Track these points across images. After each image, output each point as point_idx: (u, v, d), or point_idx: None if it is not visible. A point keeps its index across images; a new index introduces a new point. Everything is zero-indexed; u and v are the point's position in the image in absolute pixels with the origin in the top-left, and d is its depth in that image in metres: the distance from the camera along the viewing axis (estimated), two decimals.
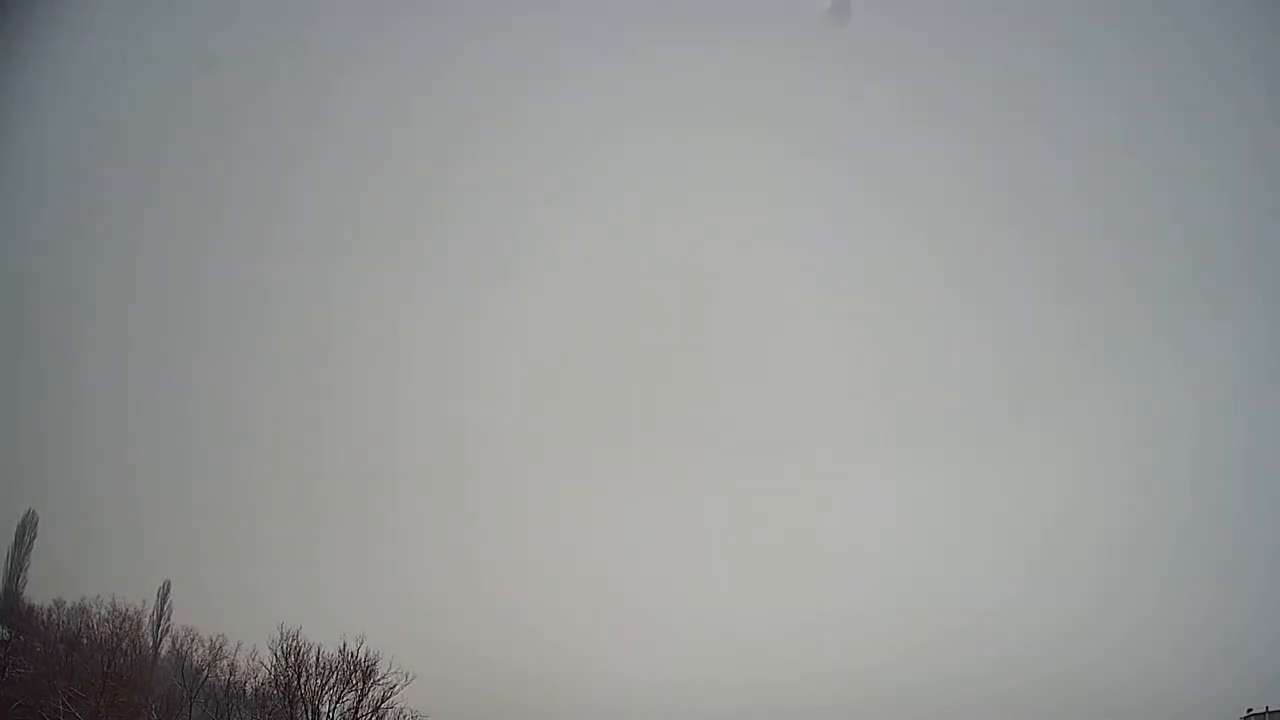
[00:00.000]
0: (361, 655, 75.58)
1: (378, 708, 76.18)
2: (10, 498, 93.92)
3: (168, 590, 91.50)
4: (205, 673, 79.12)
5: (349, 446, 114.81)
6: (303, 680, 75.08)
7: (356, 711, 75.96)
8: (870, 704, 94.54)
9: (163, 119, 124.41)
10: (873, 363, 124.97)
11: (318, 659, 75.77)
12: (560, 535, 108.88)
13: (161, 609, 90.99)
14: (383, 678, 75.67)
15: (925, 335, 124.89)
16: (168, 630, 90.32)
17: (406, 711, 76.91)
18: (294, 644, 75.40)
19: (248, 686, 78.41)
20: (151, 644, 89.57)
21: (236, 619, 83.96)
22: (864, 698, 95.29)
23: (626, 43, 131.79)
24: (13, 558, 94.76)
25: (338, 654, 75.83)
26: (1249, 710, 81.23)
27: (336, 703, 75.97)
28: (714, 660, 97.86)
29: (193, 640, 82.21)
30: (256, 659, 77.59)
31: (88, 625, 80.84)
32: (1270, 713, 79.99)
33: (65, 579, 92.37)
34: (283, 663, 75.52)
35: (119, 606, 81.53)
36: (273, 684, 76.38)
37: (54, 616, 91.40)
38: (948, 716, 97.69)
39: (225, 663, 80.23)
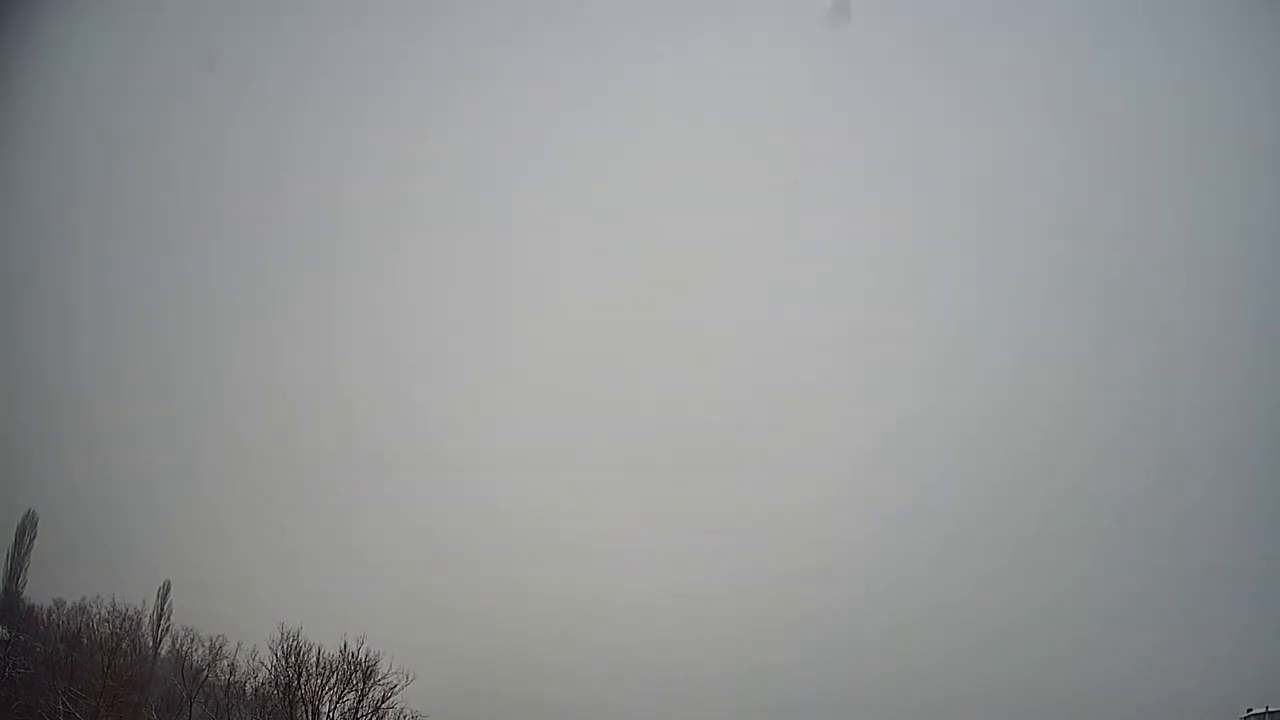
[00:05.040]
0: (361, 655, 75.86)
1: (378, 708, 76.28)
2: (10, 498, 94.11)
3: (168, 590, 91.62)
4: (205, 673, 79.06)
5: (349, 446, 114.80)
6: (303, 680, 75.14)
7: (357, 712, 76.03)
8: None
9: (161, 119, 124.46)
10: (871, 361, 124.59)
11: (318, 659, 75.90)
12: (563, 535, 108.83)
13: (161, 609, 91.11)
14: (383, 678, 75.92)
15: (926, 334, 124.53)
16: (168, 630, 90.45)
17: (406, 711, 77.19)
18: (294, 644, 75.57)
19: (248, 686, 78.43)
20: (151, 644, 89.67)
21: (236, 619, 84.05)
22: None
23: (627, 41, 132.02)
24: (13, 558, 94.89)
25: (338, 654, 76.05)
26: (1249, 710, 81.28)
27: (337, 703, 76.10)
28: (728, 665, 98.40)
29: (193, 640, 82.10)
30: (256, 659, 77.67)
31: (88, 625, 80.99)
32: (1270, 713, 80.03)
33: (65, 579, 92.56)
34: (283, 663, 75.63)
35: (119, 606, 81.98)
36: (273, 684, 76.45)
37: (54, 616, 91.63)
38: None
39: (225, 663, 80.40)
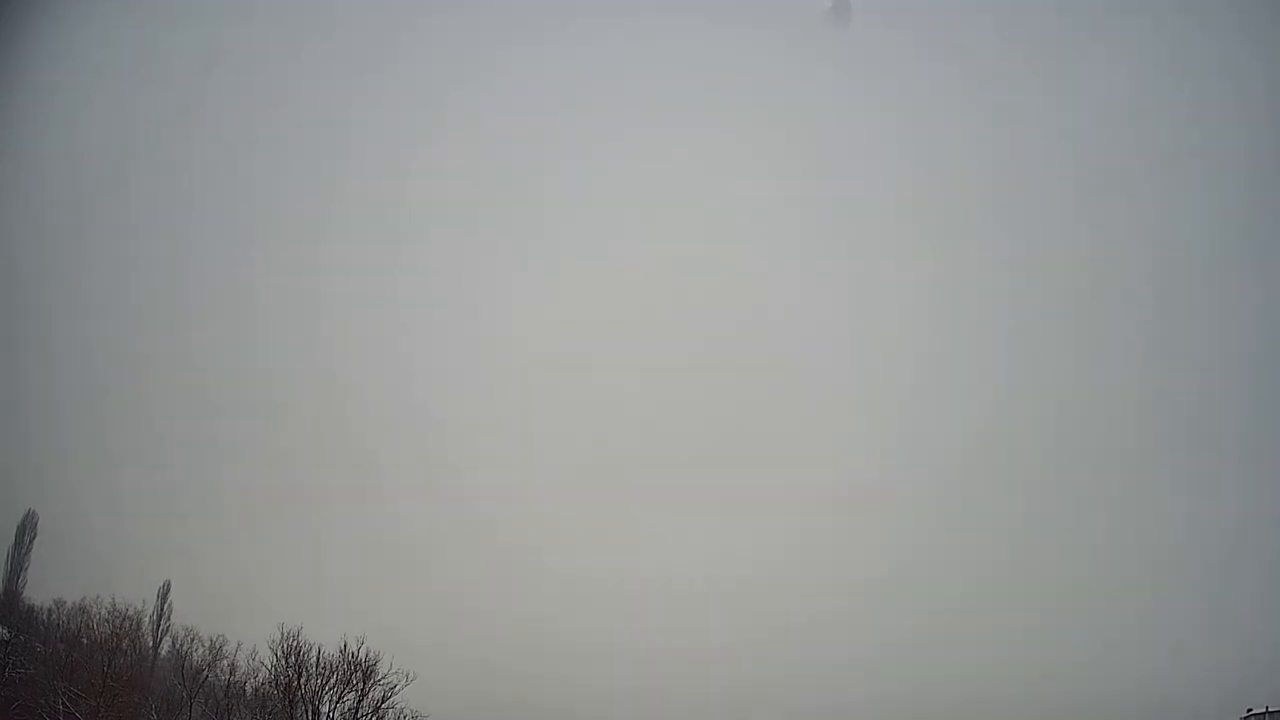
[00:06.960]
0: (361, 655, 75.88)
1: (378, 708, 76.29)
2: (10, 498, 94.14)
3: (168, 590, 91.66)
4: (205, 673, 79.15)
5: (349, 446, 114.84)
6: (303, 680, 75.12)
7: (357, 712, 76.02)
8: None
9: (157, 116, 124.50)
10: (871, 363, 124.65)
11: (318, 659, 75.92)
12: (563, 534, 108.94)
13: (161, 609, 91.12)
14: (383, 678, 75.96)
15: (922, 335, 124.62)
16: (168, 630, 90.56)
17: (407, 711, 77.22)
18: (294, 644, 75.59)
19: (248, 686, 78.48)
20: (151, 644, 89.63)
21: (236, 619, 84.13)
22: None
23: (628, 39, 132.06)
24: (13, 558, 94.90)
25: (338, 654, 76.07)
26: (1249, 710, 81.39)
27: (337, 703, 76.07)
28: (729, 667, 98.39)
29: (193, 640, 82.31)
30: (256, 659, 77.80)
31: (88, 625, 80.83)
32: (1270, 713, 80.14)
33: (65, 579, 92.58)
34: (283, 663, 75.67)
35: (119, 606, 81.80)
36: (273, 684, 76.45)
37: (54, 616, 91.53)
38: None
39: (225, 663, 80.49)
